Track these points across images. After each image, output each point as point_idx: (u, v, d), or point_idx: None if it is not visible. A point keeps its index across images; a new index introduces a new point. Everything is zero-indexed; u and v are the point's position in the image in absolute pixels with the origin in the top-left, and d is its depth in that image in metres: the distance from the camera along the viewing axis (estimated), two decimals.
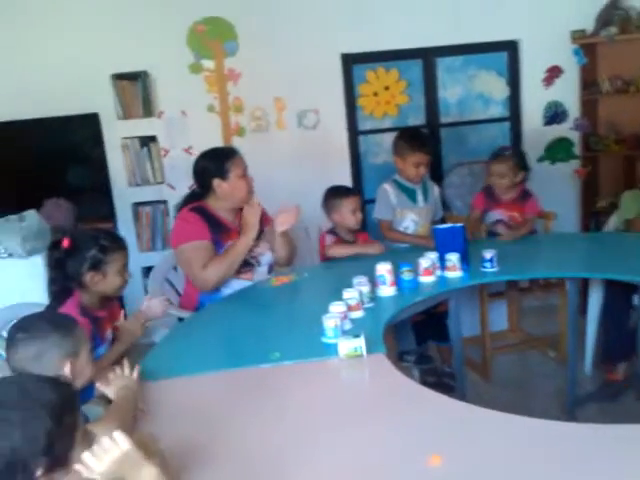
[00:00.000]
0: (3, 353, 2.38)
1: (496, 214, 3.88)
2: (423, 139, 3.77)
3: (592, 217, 4.77)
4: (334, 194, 3.57)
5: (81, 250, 2.47)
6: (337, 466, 1.57)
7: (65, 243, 2.48)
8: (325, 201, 3.59)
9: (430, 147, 3.72)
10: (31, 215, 3.72)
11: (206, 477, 1.52)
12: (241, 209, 3.26)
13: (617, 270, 2.98)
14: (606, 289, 3.60)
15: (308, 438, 1.71)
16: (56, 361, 1.80)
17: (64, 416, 1.20)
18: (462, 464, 1.52)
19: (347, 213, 3.51)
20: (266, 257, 3.30)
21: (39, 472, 1.14)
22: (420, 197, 3.74)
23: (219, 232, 3.15)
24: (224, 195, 3.17)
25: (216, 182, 3.14)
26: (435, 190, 3.85)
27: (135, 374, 1.50)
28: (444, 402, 1.85)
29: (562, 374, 3.54)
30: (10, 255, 3.64)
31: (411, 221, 3.72)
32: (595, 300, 3.69)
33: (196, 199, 3.26)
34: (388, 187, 3.72)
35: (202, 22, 4.38)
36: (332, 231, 3.59)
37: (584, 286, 3.74)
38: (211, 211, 3.19)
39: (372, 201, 4.77)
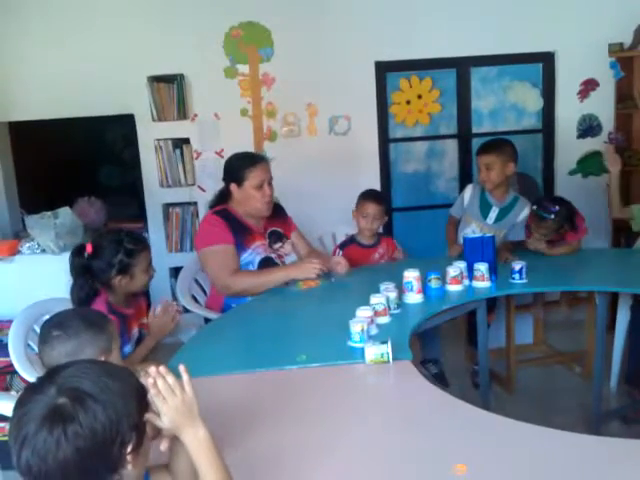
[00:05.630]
0: (34, 346, 2.43)
1: None
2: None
3: (623, 233, 4.70)
4: (364, 194, 3.64)
5: (107, 255, 2.48)
6: (360, 472, 1.57)
7: (88, 249, 2.50)
8: (359, 196, 3.65)
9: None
10: (65, 212, 3.77)
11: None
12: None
13: None
14: (634, 307, 3.56)
15: (331, 442, 1.71)
16: (91, 358, 1.82)
17: (143, 398, 1.24)
18: (487, 474, 1.52)
19: (361, 215, 3.57)
20: (291, 258, 3.37)
21: (129, 448, 1.15)
22: (493, 214, 3.69)
23: (242, 235, 3.20)
24: (238, 200, 3.22)
25: (232, 186, 3.22)
26: (522, 214, 3.68)
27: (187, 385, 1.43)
28: (470, 410, 1.84)
29: (587, 390, 3.50)
30: (43, 251, 3.70)
31: (472, 232, 3.65)
32: (623, 317, 3.65)
33: (226, 198, 3.30)
34: (470, 187, 3.79)
35: (239, 27, 4.42)
36: (352, 238, 3.64)
37: (613, 302, 3.69)
38: (235, 214, 3.24)
39: (400, 209, 4.82)
